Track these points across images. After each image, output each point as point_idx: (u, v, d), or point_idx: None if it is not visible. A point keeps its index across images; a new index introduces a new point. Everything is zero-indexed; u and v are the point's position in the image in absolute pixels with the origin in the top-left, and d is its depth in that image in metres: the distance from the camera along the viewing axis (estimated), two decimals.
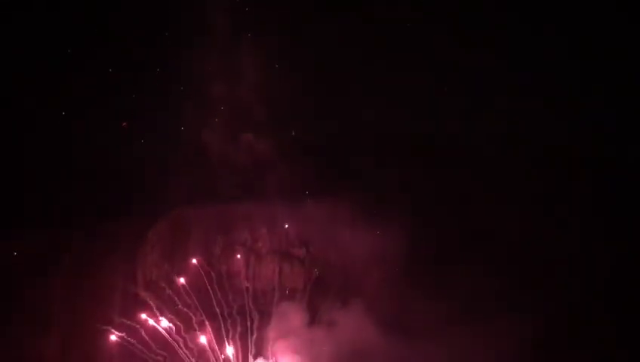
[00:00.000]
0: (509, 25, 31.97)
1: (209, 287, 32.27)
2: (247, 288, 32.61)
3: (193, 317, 31.82)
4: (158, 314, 31.76)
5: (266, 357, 31.60)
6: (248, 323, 31.75)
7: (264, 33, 33.28)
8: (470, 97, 32.23)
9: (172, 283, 32.30)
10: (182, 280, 32.20)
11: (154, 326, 31.54)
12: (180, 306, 31.99)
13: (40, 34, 32.09)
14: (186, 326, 31.74)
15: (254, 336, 31.73)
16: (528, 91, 31.85)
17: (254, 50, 33.15)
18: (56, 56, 32.47)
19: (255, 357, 31.70)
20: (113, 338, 31.16)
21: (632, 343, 29.02)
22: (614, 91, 31.48)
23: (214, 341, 31.52)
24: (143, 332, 31.42)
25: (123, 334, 31.22)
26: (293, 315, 31.76)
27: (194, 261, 32.78)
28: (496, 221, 31.30)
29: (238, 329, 31.77)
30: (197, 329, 31.66)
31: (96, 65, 32.67)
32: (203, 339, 31.29)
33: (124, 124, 33.80)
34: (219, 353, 31.49)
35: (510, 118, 31.93)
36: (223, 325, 31.69)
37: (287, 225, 33.68)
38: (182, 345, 31.53)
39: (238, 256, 33.15)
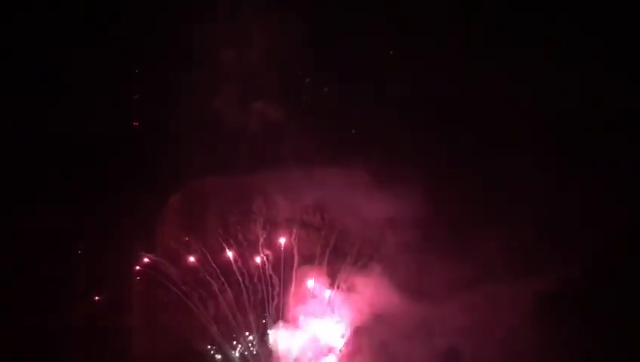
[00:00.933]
0: None
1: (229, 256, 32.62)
2: (265, 256, 33.00)
3: (214, 283, 32.39)
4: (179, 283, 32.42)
5: (286, 321, 32.16)
6: (269, 289, 32.36)
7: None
8: (489, 57, 31.69)
9: (191, 253, 32.87)
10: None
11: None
12: (200, 275, 32.61)
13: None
14: (207, 293, 32.42)
15: (274, 302, 32.34)
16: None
17: (265, 17, 32.62)
18: (68, 32, 32.22)
19: (275, 322, 32.31)
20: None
21: None
22: None
23: (235, 306, 32.25)
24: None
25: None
26: (313, 281, 32.12)
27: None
28: (516, 183, 31.18)
29: (259, 296, 32.43)
30: (218, 295, 32.31)
31: (109, 39, 32.54)
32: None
33: (135, 96, 33.64)
34: (240, 318, 32.17)
35: (533, 76, 31.57)
36: (244, 291, 32.28)
37: (302, 193, 33.62)
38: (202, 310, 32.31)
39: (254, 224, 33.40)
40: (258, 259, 32.57)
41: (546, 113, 31.76)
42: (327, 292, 32.24)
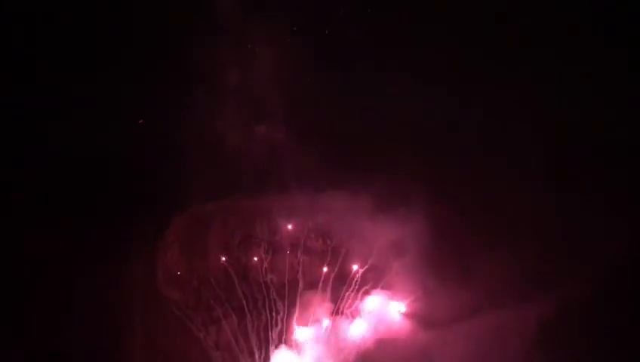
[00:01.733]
0: None
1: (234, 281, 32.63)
2: (268, 280, 32.89)
3: (217, 308, 32.26)
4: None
5: (289, 346, 32.02)
6: (272, 314, 32.19)
7: (278, 20, 32.93)
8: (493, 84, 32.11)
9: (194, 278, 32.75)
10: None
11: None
12: (202, 300, 32.44)
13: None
14: (209, 319, 32.29)
15: (278, 327, 32.21)
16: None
17: (267, 39, 32.79)
18: (69, 49, 32.28)
19: (277, 346, 32.15)
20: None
21: None
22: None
23: (238, 331, 32.07)
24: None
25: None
26: (316, 306, 32.10)
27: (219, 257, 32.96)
28: (519, 209, 31.42)
29: (262, 320, 32.28)
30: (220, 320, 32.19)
31: (112, 57, 32.54)
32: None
33: (140, 121, 33.65)
34: (242, 344, 31.99)
35: (534, 104, 31.99)
36: (247, 316, 32.14)
37: (305, 219, 33.66)
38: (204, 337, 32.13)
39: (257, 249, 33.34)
40: (261, 283, 32.59)
41: (546, 136, 32.08)
42: (330, 318, 32.13)
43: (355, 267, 32.62)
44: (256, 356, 32.09)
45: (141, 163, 33.78)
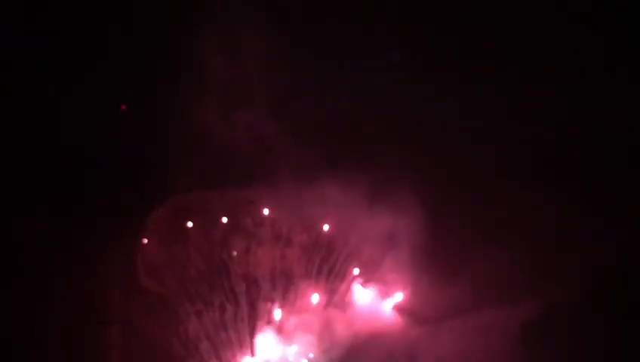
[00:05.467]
0: None
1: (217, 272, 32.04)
2: (252, 272, 32.31)
3: (200, 301, 31.68)
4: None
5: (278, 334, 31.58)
6: (257, 306, 31.64)
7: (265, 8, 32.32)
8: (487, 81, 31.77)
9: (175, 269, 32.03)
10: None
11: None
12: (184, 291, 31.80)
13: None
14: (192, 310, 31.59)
15: (264, 319, 31.67)
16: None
17: (254, 27, 31.92)
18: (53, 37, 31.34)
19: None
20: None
21: None
22: None
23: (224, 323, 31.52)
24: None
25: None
26: (304, 298, 31.74)
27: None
28: (513, 206, 31.18)
29: (247, 311, 31.76)
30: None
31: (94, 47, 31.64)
32: None
33: (123, 107, 32.79)
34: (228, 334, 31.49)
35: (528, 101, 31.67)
36: (232, 308, 31.60)
37: (291, 211, 33.09)
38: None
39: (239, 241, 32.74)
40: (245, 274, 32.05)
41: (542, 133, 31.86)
42: (319, 310, 31.73)
43: (341, 259, 32.24)
44: (242, 345, 31.51)
45: (123, 151, 32.83)
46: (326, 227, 32.63)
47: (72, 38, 31.59)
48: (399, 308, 31.44)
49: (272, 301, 31.79)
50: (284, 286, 32.03)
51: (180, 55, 32.46)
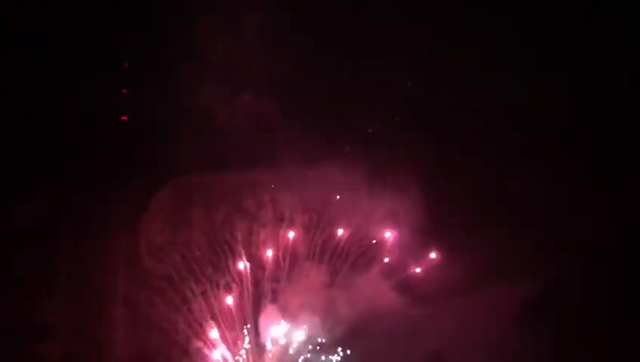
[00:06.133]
0: None
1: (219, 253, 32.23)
2: (255, 254, 32.52)
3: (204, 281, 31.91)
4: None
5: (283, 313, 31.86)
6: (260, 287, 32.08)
7: None
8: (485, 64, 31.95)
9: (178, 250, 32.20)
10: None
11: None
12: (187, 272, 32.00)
13: None
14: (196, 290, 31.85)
15: (268, 298, 32.01)
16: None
17: (257, 9, 32.08)
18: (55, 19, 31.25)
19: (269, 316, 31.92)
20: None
21: None
22: None
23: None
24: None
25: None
26: (305, 279, 32.02)
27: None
28: (513, 187, 31.53)
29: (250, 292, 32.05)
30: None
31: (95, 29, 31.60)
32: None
33: (124, 90, 32.81)
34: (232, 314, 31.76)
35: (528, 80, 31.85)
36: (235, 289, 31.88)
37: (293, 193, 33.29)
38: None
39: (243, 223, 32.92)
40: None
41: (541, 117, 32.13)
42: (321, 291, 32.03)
43: (344, 239, 32.50)
44: (246, 326, 31.79)
45: (126, 133, 33.09)
46: (328, 208, 32.82)
47: (75, 19, 31.67)
48: (401, 288, 31.73)
49: (277, 281, 32.11)
50: (288, 266, 32.33)
51: (183, 38, 32.29)
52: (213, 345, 31.31)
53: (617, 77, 31.49)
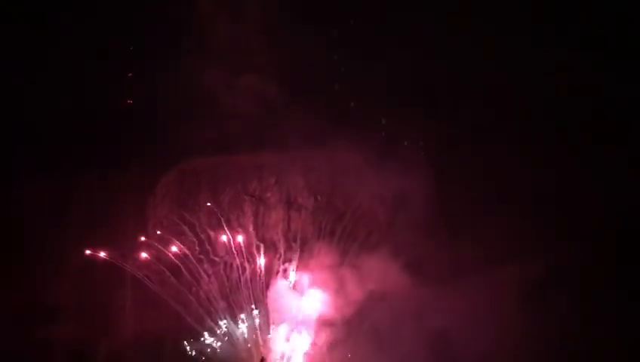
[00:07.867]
0: None
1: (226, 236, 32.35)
2: (261, 236, 32.71)
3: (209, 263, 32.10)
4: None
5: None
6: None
7: None
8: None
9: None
10: None
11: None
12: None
13: None
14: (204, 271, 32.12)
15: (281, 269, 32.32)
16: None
17: None
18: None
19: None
20: None
21: None
22: None
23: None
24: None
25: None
26: (315, 260, 32.29)
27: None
28: (519, 169, 31.94)
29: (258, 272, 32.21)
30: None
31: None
32: None
33: (129, 75, 32.75)
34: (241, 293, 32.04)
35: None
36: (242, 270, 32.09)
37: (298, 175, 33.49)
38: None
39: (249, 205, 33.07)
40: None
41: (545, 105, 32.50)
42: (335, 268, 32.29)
43: (353, 220, 32.67)
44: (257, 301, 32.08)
45: (133, 117, 33.18)
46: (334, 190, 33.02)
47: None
48: (408, 268, 31.97)
49: (289, 261, 32.37)
50: (299, 246, 32.52)
51: (187, 21, 32.31)
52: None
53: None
